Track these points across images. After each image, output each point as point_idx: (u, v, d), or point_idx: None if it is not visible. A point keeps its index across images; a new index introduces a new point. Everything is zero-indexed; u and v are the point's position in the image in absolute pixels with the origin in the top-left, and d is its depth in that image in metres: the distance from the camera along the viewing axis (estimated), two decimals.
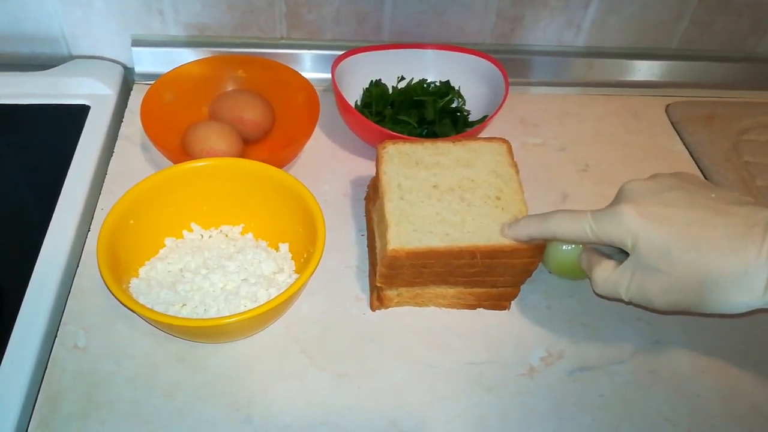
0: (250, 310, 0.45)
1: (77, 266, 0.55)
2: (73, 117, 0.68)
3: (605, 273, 0.46)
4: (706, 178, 0.69)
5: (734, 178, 0.69)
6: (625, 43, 0.78)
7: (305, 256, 0.53)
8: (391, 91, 0.70)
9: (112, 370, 0.49)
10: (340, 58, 0.68)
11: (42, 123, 0.68)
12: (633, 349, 0.54)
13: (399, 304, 0.55)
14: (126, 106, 0.71)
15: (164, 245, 0.55)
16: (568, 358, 0.53)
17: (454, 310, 0.55)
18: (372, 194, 0.58)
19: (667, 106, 0.78)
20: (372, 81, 0.71)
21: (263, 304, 0.46)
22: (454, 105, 0.70)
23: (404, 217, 0.49)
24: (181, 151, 0.62)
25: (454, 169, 0.53)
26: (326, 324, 0.53)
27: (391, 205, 0.50)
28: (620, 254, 0.47)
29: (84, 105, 0.69)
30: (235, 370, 0.50)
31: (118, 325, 0.52)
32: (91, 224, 0.59)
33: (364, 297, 0.56)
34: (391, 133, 0.61)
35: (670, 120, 0.76)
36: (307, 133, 0.63)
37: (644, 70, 0.79)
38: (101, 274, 0.47)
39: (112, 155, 0.65)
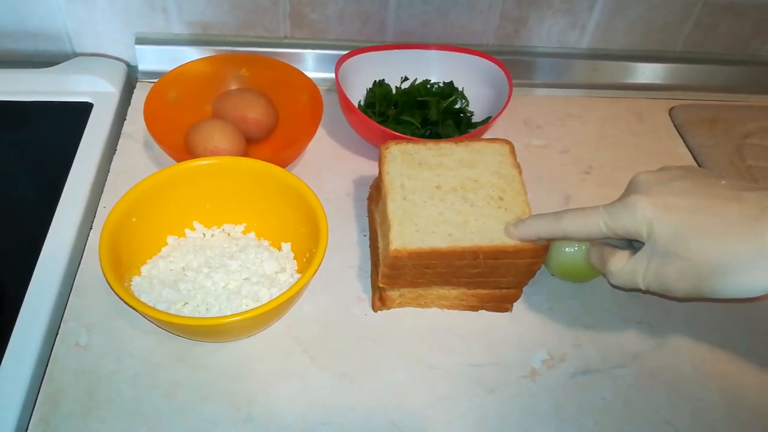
0: (251, 310, 0.45)
1: (79, 264, 0.55)
2: (76, 114, 0.68)
3: (620, 263, 0.46)
4: None
5: None
6: (630, 45, 0.78)
7: (307, 255, 0.53)
8: (394, 91, 0.70)
9: (113, 368, 0.49)
10: (343, 58, 0.68)
11: (45, 120, 0.68)
12: (635, 351, 0.54)
13: (401, 305, 0.55)
14: (129, 104, 0.71)
15: (166, 243, 0.55)
16: (570, 361, 0.53)
17: (456, 311, 0.55)
18: (375, 194, 0.58)
19: (671, 109, 0.78)
20: (375, 81, 0.70)
21: (265, 304, 0.46)
22: (457, 106, 0.70)
23: (407, 217, 0.49)
24: (183, 149, 0.62)
25: (457, 169, 0.53)
26: (328, 324, 0.53)
27: (394, 206, 0.50)
28: (629, 247, 0.47)
29: (87, 102, 0.69)
30: (236, 369, 0.50)
31: (119, 323, 0.51)
32: (93, 222, 0.59)
33: (366, 297, 0.55)
34: (394, 133, 0.60)
35: (673, 123, 0.76)
36: (310, 133, 0.63)
37: (648, 72, 0.79)
38: (103, 272, 0.47)
39: (114, 153, 0.65)
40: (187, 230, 0.57)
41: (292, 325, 0.53)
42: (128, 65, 0.75)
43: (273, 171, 0.54)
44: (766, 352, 0.54)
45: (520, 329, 0.55)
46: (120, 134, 0.67)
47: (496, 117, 0.65)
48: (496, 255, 0.48)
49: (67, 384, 0.48)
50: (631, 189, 0.46)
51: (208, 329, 0.48)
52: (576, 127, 0.74)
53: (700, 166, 0.71)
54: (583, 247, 0.53)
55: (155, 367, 0.49)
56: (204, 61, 0.68)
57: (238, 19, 0.72)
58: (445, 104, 0.68)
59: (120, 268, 0.49)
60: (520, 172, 0.53)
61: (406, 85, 0.71)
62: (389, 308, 0.55)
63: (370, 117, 0.65)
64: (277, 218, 0.56)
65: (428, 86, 0.70)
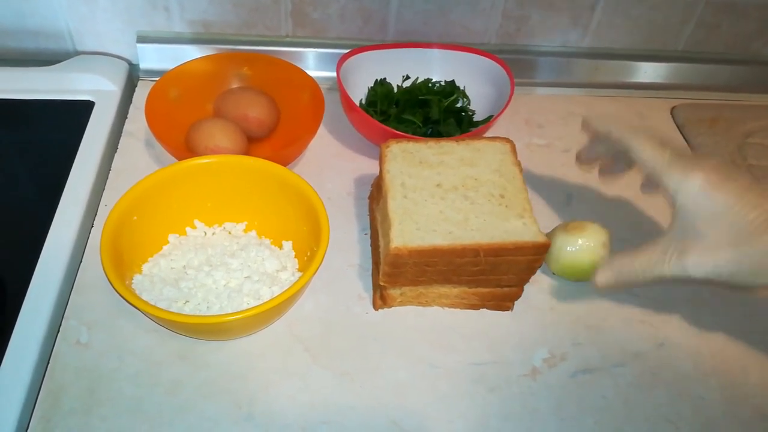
0: (252, 308, 0.45)
1: (80, 262, 0.55)
2: (78, 113, 0.68)
3: (647, 254, 0.47)
4: None
5: None
6: (631, 44, 0.78)
7: (308, 254, 0.53)
8: (396, 90, 0.70)
9: (114, 366, 0.49)
10: (345, 57, 0.68)
11: (46, 119, 0.68)
12: (636, 350, 0.54)
13: (402, 304, 0.55)
14: (130, 103, 0.71)
15: (167, 242, 0.55)
16: (571, 360, 0.53)
17: (457, 310, 0.55)
18: (375, 193, 0.58)
19: (673, 108, 0.78)
20: (377, 80, 0.70)
21: (266, 302, 0.45)
22: (459, 105, 0.70)
23: (407, 215, 0.49)
24: (185, 148, 0.62)
25: (457, 168, 0.53)
26: (329, 322, 0.53)
27: (395, 204, 0.50)
28: None
29: (88, 101, 0.69)
30: (237, 367, 0.50)
31: (120, 321, 0.52)
32: (94, 220, 0.59)
33: (367, 296, 0.55)
34: (396, 132, 0.60)
35: (675, 122, 0.76)
36: (312, 132, 0.63)
37: (650, 71, 0.79)
38: (104, 270, 0.47)
39: (116, 151, 0.65)
40: (188, 228, 0.57)
41: (293, 324, 0.53)
42: (130, 64, 0.75)
43: (274, 169, 0.54)
44: (767, 350, 0.54)
45: (521, 328, 0.54)
46: (121, 132, 0.67)
47: (498, 116, 0.64)
48: (496, 252, 0.48)
49: (68, 382, 0.48)
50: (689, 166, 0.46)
51: (209, 327, 0.48)
52: (577, 126, 0.73)
53: None
54: (585, 246, 0.53)
55: (156, 366, 0.49)
56: (205, 60, 0.68)
57: (239, 17, 0.72)
58: (446, 103, 0.68)
59: (121, 266, 0.49)
60: (521, 170, 0.53)
61: (407, 83, 0.71)
62: (390, 307, 0.55)
63: (371, 116, 0.65)
64: (278, 217, 0.56)
65: (430, 85, 0.70)
